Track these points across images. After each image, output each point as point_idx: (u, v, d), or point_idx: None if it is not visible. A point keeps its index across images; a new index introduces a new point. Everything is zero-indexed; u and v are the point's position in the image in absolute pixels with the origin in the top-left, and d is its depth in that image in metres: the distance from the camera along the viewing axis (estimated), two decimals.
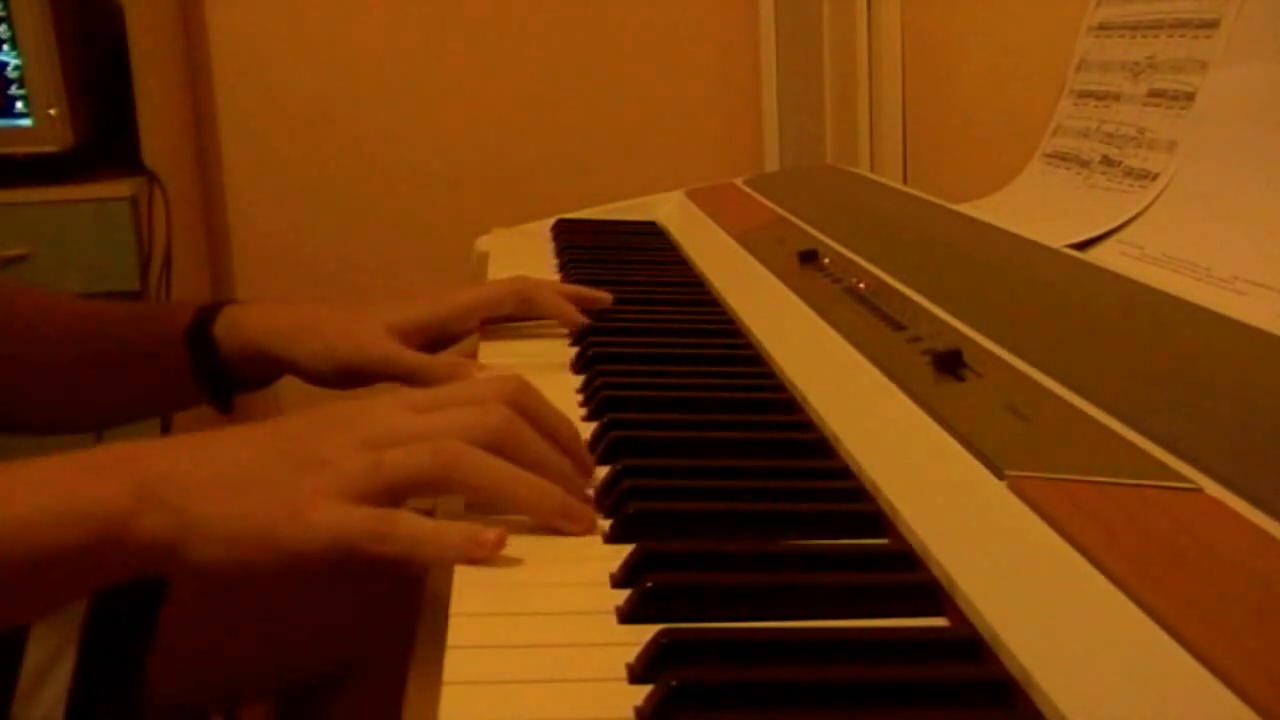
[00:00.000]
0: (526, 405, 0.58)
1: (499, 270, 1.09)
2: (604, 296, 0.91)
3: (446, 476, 0.54)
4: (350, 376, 0.84)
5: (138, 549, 0.53)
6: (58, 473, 0.55)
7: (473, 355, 0.87)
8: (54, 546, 0.52)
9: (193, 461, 0.55)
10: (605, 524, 0.55)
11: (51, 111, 1.85)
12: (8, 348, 0.88)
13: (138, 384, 0.93)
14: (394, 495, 0.54)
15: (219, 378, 0.88)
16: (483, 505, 0.56)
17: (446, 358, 0.85)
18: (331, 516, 0.52)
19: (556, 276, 1.05)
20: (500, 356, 0.84)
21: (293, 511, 0.53)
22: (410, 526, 0.53)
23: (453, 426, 0.56)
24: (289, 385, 0.90)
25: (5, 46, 1.84)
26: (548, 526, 0.54)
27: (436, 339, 0.86)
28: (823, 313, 0.77)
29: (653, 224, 1.27)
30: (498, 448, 0.55)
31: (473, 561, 0.51)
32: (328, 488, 0.53)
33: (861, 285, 0.80)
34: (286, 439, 0.56)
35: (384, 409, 0.57)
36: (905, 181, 1.69)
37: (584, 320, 0.87)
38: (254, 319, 0.87)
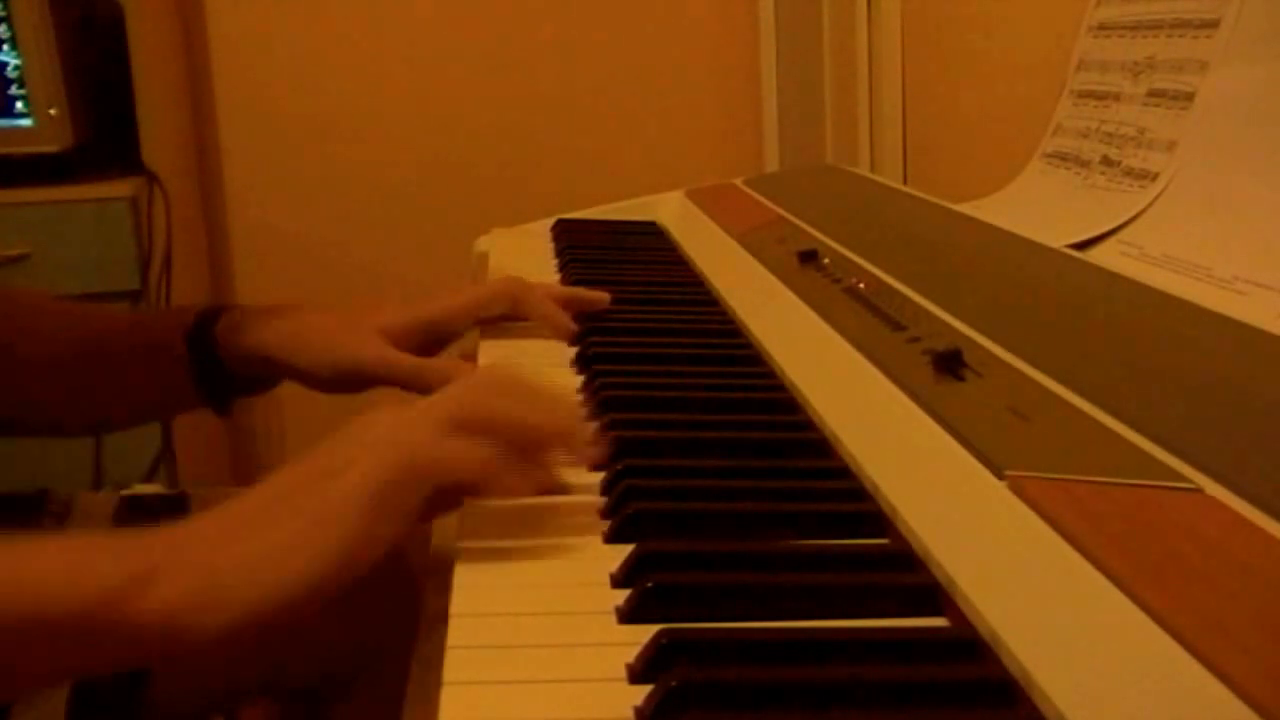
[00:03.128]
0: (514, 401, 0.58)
1: (499, 270, 1.09)
2: (601, 297, 0.90)
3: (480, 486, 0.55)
4: (346, 381, 0.84)
5: (144, 622, 0.47)
6: (56, 542, 0.50)
7: (473, 355, 0.87)
8: (35, 614, 0.47)
9: (210, 518, 0.52)
10: (605, 524, 0.55)
11: (51, 111, 1.86)
12: (8, 348, 0.88)
13: (138, 386, 0.93)
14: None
15: (219, 381, 0.88)
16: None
17: (440, 360, 0.85)
18: (367, 472, 0.50)
19: (556, 277, 1.05)
20: (500, 355, 0.84)
21: (319, 518, 0.50)
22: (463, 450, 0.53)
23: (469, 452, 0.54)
24: (289, 390, 0.90)
25: (5, 46, 1.84)
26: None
27: (431, 341, 0.86)
28: (823, 313, 0.77)
29: (653, 224, 1.27)
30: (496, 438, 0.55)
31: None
32: (356, 483, 0.51)
33: (861, 285, 0.80)
34: (305, 464, 0.53)
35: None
36: (905, 181, 1.68)
37: (572, 327, 0.86)
38: (253, 323, 0.86)
